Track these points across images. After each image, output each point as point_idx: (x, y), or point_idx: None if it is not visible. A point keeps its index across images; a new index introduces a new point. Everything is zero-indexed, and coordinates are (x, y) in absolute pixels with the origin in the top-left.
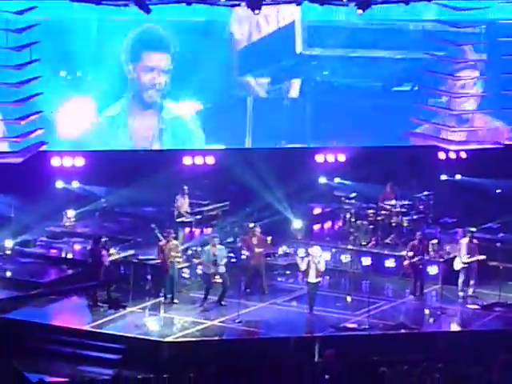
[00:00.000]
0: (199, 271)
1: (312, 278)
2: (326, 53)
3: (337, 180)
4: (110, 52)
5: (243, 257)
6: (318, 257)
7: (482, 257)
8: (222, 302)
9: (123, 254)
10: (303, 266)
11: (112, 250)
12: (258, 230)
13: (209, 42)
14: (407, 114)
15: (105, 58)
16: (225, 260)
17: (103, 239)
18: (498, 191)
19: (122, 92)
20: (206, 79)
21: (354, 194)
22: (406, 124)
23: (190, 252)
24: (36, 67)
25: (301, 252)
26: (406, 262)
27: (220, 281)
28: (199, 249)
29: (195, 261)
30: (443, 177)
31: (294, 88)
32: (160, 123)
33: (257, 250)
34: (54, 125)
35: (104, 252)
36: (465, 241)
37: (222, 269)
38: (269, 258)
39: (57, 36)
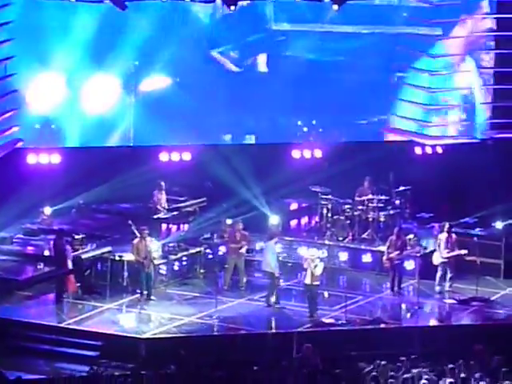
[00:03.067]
0: (176, 268)
1: (308, 280)
2: (294, 28)
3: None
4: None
5: (220, 253)
6: (317, 260)
7: (464, 251)
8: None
9: (99, 251)
10: (305, 265)
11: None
12: (240, 225)
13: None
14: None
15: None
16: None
17: (79, 235)
18: None
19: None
20: (177, 55)
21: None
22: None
23: (166, 248)
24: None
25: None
26: (384, 258)
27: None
28: (263, 244)
29: (172, 257)
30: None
31: (261, 63)
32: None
33: (241, 245)
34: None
35: (68, 246)
36: (444, 236)
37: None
38: (247, 254)
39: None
